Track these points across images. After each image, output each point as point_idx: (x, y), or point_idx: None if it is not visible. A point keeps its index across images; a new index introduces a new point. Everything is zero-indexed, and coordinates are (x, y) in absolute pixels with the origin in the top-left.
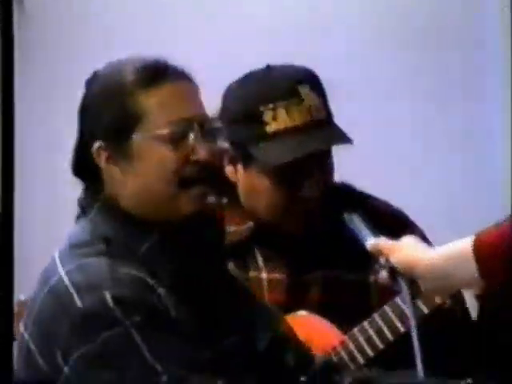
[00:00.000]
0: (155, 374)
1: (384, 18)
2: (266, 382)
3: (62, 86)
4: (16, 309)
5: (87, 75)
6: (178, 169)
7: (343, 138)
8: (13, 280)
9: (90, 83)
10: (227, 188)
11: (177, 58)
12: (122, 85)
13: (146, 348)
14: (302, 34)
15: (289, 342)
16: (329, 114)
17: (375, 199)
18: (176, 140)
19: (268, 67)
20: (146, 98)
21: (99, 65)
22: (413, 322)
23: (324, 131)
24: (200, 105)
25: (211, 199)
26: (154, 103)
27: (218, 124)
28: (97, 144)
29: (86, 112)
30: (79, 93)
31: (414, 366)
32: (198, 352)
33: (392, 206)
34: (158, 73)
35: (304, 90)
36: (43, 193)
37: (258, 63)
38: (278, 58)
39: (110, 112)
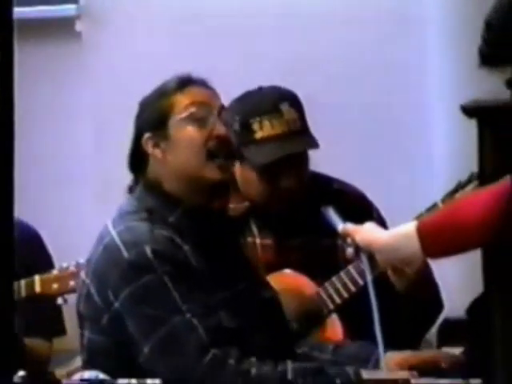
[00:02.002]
0: (181, 311)
1: None
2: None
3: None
4: (75, 269)
5: None
6: (204, 143)
7: (312, 144)
8: (12, 283)
9: (144, 98)
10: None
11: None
12: (162, 90)
13: (175, 290)
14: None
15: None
16: (304, 125)
17: (345, 185)
18: (200, 120)
19: (259, 88)
20: (177, 95)
21: None
22: (370, 284)
23: (299, 139)
24: (217, 99)
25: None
26: (182, 96)
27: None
28: (146, 135)
29: (139, 115)
30: None
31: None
32: (213, 295)
33: (358, 190)
34: (187, 80)
35: (284, 107)
36: None
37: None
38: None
39: (153, 109)
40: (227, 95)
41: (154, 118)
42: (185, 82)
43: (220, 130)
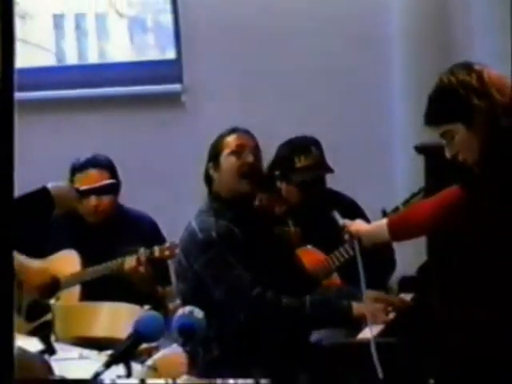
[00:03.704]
0: (235, 269)
1: None
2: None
3: None
4: (176, 244)
5: None
6: (239, 168)
7: (328, 170)
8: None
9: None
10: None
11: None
12: (218, 136)
13: (231, 256)
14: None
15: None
16: (323, 159)
17: (344, 195)
18: (238, 154)
19: (297, 137)
20: (226, 139)
21: None
22: (358, 254)
23: (320, 167)
24: (252, 141)
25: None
26: (228, 140)
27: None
28: (209, 164)
29: (209, 152)
30: None
31: (357, 268)
32: (255, 260)
33: (352, 199)
34: (233, 130)
35: (313, 148)
36: None
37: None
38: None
39: (213, 147)
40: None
41: (213, 153)
42: (231, 131)
43: (249, 159)
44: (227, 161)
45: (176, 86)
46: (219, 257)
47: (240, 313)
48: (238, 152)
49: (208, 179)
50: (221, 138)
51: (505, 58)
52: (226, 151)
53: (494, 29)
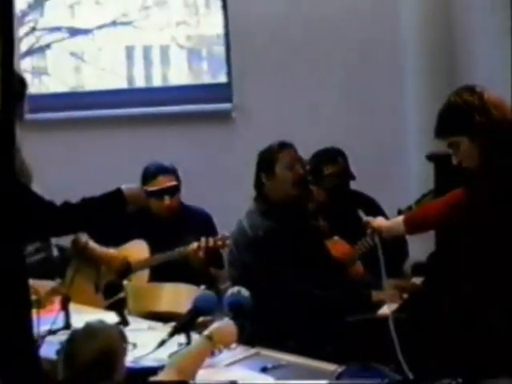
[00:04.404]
0: (281, 262)
1: None
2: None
3: None
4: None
5: None
6: (293, 178)
7: (352, 177)
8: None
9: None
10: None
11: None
12: (268, 149)
13: (275, 251)
14: None
15: None
16: (348, 167)
17: (367, 195)
18: (291, 167)
19: (326, 148)
20: (278, 154)
21: None
22: (379, 245)
23: (345, 175)
24: (298, 154)
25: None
26: (281, 155)
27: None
28: (263, 174)
29: (258, 163)
30: None
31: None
32: (298, 253)
33: (373, 198)
34: (282, 145)
35: (339, 158)
36: None
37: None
38: None
39: (265, 159)
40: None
41: (266, 164)
42: (281, 146)
43: (301, 170)
44: (282, 173)
45: (227, 105)
46: (265, 252)
47: (279, 302)
48: (291, 165)
49: (258, 185)
50: (273, 152)
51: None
52: (280, 164)
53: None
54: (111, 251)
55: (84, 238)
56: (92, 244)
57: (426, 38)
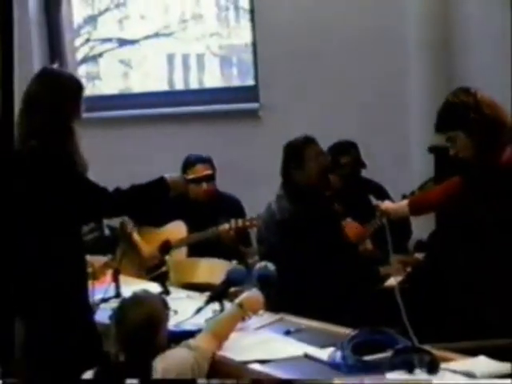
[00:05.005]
0: (304, 252)
1: None
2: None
3: None
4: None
5: None
6: (317, 169)
7: (364, 166)
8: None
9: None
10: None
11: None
12: (294, 142)
13: (301, 237)
14: None
15: None
16: (359, 158)
17: (376, 182)
18: (317, 159)
19: (341, 141)
20: (306, 148)
21: None
22: (387, 226)
23: (357, 164)
24: (321, 148)
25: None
26: (308, 149)
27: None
28: (290, 163)
29: (285, 155)
30: None
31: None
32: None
33: (381, 185)
34: (307, 139)
35: (352, 150)
36: None
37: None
38: None
39: (294, 151)
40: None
41: (294, 156)
42: (307, 140)
43: (325, 162)
44: (309, 164)
45: (255, 105)
46: (291, 233)
47: (301, 276)
48: (316, 157)
49: (286, 173)
50: (300, 145)
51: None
52: (308, 156)
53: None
54: (155, 230)
55: (130, 226)
56: (135, 235)
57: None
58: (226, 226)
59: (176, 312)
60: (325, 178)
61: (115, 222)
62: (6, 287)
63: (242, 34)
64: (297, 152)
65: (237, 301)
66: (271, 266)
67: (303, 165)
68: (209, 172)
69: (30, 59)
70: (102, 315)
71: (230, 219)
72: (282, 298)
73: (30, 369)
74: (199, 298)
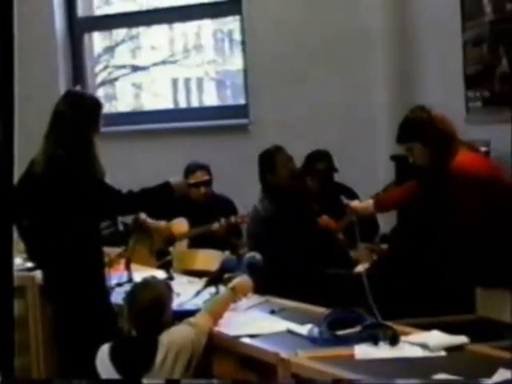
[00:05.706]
0: (290, 240)
1: None
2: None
3: None
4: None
5: None
6: (289, 173)
7: (336, 170)
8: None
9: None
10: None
11: None
12: (269, 153)
13: (281, 232)
14: None
15: None
16: (333, 164)
17: (345, 186)
18: (287, 164)
19: (318, 150)
20: (277, 155)
21: None
22: (356, 224)
23: (331, 169)
24: (289, 155)
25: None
26: (280, 156)
27: None
28: (266, 171)
29: (263, 163)
30: None
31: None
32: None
33: (350, 188)
34: (277, 148)
35: (327, 157)
36: None
37: None
38: None
39: (268, 161)
40: None
41: (268, 163)
42: (277, 149)
43: (293, 165)
44: (282, 169)
45: (245, 120)
46: (273, 228)
47: (283, 263)
48: (286, 163)
49: (263, 179)
50: (271, 154)
51: None
52: (279, 163)
53: None
54: (161, 224)
55: (143, 216)
56: (149, 220)
57: None
58: (220, 221)
59: (179, 294)
60: (297, 179)
61: (128, 219)
62: (6, 287)
63: (235, 62)
64: (269, 159)
65: (230, 285)
66: (258, 256)
67: (275, 170)
68: (207, 177)
69: (56, 83)
70: (117, 297)
71: (224, 216)
72: (268, 283)
73: (58, 343)
74: (198, 283)
